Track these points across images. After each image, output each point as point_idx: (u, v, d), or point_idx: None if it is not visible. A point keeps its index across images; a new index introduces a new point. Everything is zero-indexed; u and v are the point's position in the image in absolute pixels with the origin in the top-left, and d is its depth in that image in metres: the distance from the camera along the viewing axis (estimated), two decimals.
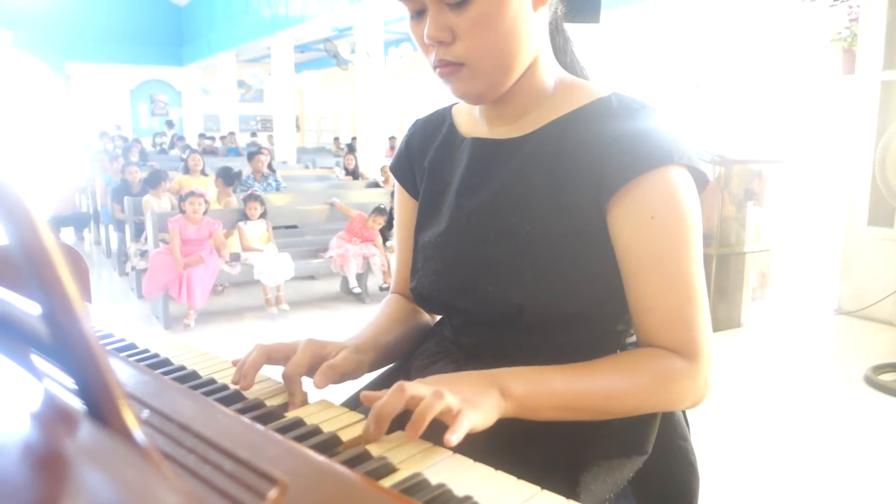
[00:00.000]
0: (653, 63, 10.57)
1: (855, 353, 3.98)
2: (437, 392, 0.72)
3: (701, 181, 0.91)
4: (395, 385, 0.73)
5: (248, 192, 5.64)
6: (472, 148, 1.01)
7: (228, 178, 6.09)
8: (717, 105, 9.85)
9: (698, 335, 0.87)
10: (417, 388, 0.73)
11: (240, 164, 9.20)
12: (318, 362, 0.91)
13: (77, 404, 0.44)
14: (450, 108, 1.10)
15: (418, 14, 0.89)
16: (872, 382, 3.38)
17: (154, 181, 5.81)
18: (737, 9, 9.01)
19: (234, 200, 5.87)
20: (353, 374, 0.95)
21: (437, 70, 0.90)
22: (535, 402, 0.81)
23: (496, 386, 0.79)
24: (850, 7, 4.85)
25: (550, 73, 0.96)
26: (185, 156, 9.48)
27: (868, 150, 4.46)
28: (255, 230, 5.18)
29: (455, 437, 0.69)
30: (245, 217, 5.19)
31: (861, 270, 4.70)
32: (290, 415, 0.79)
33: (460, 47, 0.87)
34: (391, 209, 5.60)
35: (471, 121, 1.04)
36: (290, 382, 0.87)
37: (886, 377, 3.44)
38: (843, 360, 3.92)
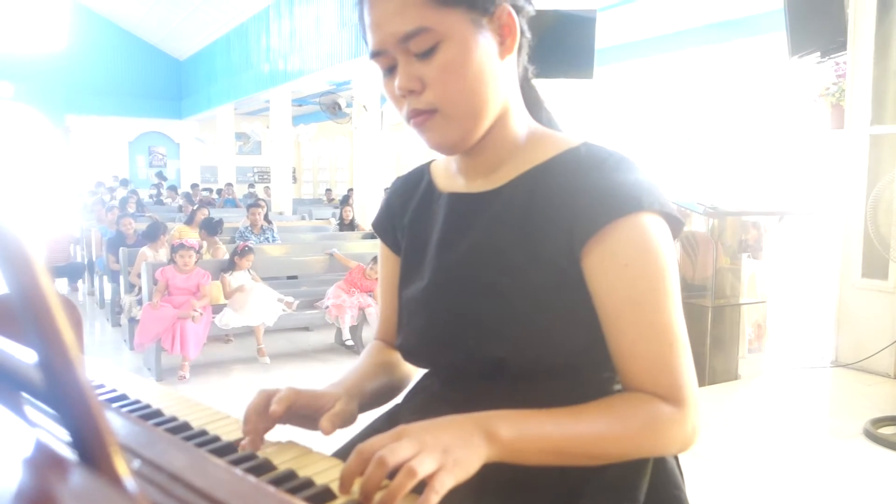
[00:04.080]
0: (645, 118, 10.75)
1: (853, 406, 3.95)
2: (409, 470, 0.69)
3: (675, 226, 0.91)
4: (355, 450, 0.72)
5: (243, 245, 5.62)
6: (448, 203, 1.02)
7: (211, 228, 6.14)
8: (710, 158, 9.98)
9: (682, 381, 0.86)
10: (397, 453, 0.70)
11: (237, 216, 9.26)
12: (310, 406, 0.91)
13: (68, 453, 0.43)
14: (428, 164, 1.12)
15: (389, 71, 0.93)
16: (872, 436, 3.35)
17: (153, 234, 5.79)
18: (728, 66, 9.20)
19: (223, 249, 5.90)
20: (347, 424, 0.95)
21: (411, 121, 0.92)
22: (523, 446, 0.79)
23: (482, 429, 0.78)
24: (838, 63, 4.95)
25: (522, 124, 0.98)
26: (181, 203, 9.48)
27: (860, 202, 4.50)
28: (240, 281, 5.15)
29: None
30: (231, 268, 5.15)
31: (857, 323, 4.69)
32: (280, 464, 0.78)
33: (430, 94, 0.89)
34: None
35: (448, 176, 1.06)
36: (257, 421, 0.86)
37: (886, 430, 3.40)
38: (842, 414, 3.88)
